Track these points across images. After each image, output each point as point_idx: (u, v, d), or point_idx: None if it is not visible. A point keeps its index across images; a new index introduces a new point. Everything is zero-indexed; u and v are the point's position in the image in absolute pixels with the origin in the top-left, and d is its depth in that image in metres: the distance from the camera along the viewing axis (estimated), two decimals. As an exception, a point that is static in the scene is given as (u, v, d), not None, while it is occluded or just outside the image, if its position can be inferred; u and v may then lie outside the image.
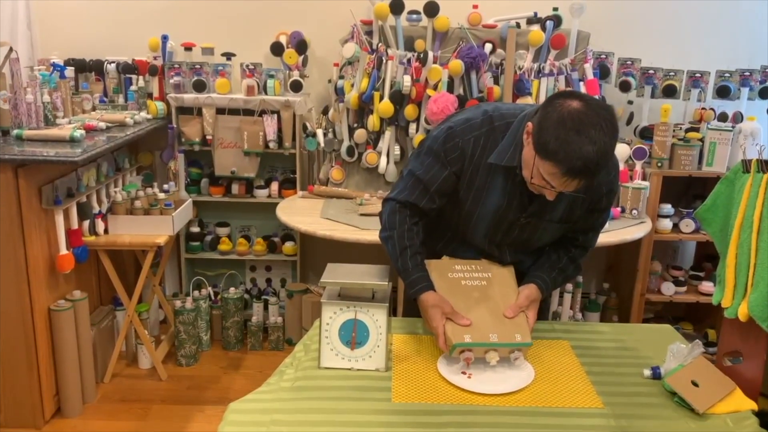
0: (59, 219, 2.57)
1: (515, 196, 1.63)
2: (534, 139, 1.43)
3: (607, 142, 1.38)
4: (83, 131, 2.63)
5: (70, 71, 3.23)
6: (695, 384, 1.43)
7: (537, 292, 1.69)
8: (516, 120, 1.59)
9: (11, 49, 2.59)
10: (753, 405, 1.42)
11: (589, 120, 1.37)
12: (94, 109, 3.21)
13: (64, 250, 2.61)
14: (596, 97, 3.08)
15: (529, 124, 1.47)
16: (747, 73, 3.15)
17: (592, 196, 1.63)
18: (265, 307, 3.39)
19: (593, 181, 1.46)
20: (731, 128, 2.98)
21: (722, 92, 3.16)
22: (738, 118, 3.14)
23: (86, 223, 2.76)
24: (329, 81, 3.33)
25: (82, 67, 3.35)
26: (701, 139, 3.05)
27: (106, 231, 2.85)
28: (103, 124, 2.87)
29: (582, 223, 1.72)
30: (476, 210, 1.68)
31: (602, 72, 3.19)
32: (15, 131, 2.59)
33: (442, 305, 1.60)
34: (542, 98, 3.13)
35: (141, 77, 3.30)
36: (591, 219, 1.72)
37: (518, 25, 3.19)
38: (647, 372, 1.53)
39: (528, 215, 1.66)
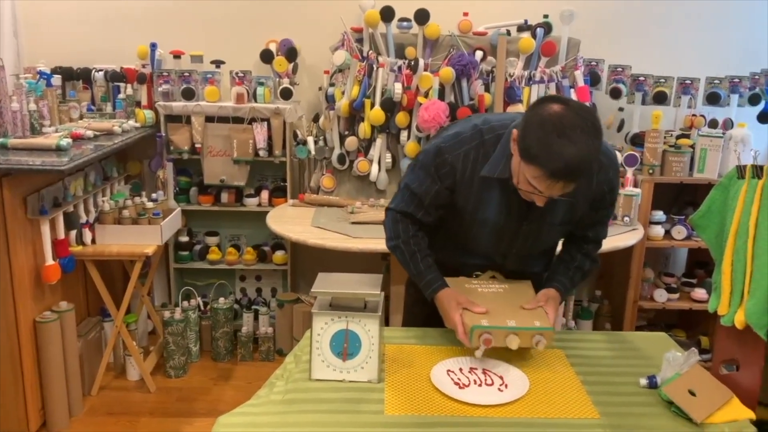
0: (45, 229, 2.53)
1: (513, 206, 1.64)
2: (518, 145, 1.46)
3: (588, 144, 1.39)
4: (70, 140, 2.59)
5: (56, 79, 3.18)
6: (692, 393, 1.41)
7: (555, 292, 1.70)
8: (506, 131, 1.59)
9: (-4, 57, 2.55)
10: (751, 414, 1.40)
11: (569, 122, 1.39)
12: (81, 117, 3.17)
13: (50, 261, 2.57)
14: (587, 103, 3.08)
15: (515, 131, 1.49)
16: (736, 80, 3.16)
17: (594, 196, 1.65)
18: (256, 318, 3.35)
19: (579, 182, 1.46)
20: (722, 135, 2.99)
21: (712, 99, 3.16)
22: (728, 124, 3.15)
23: (73, 233, 2.72)
24: (320, 88, 3.31)
25: (69, 75, 3.31)
26: (692, 146, 3.05)
27: (93, 241, 2.82)
28: (90, 133, 2.83)
29: (588, 220, 1.73)
30: (475, 222, 1.69)
31: (593, 79, 3.19)
32: (0, 140, 2.54)
33: (458, 297, 1.62)
34: (533, 105, 3.13)
35: (129, 85, 3.26)
36: (596, 216, 1.74)
37: (509, 33, 3.18)
38: (643, 381, 1.51)
39: (529, 222, 1.66)
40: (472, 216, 1.68)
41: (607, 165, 1.63)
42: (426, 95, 3.09)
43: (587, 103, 3.05)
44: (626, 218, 2.96)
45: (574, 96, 3.11)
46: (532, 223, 1.67)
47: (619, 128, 3.28)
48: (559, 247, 1.88)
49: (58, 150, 2.51)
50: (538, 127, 1.41)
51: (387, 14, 3.07)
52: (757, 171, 1.45)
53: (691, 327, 3.43)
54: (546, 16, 3.18)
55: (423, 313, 1.81)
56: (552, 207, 1.60)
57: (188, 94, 3.19)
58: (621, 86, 3.18)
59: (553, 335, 1.57)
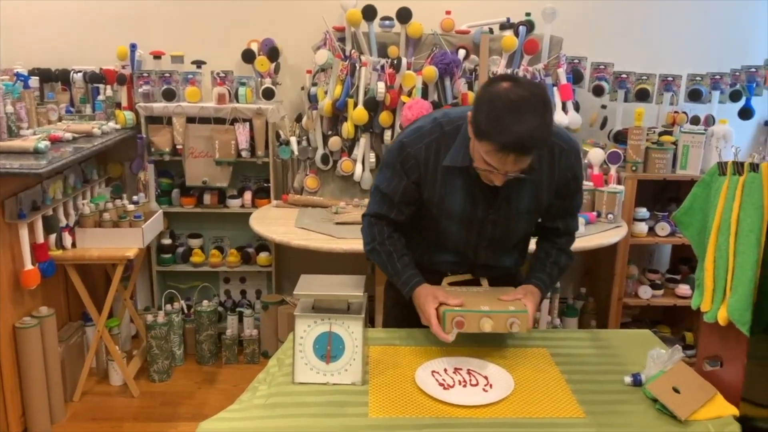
0: (23, 233, 2.49)
1: (477, 193, 1.65)
2: (471, 124, 1.49)
3: (536, 117, 1.41)
4: (48, 142, 2.56)
5: (34, 81, 3.14)
6: (676, 390, 1.41)
7: (534, 288, 1.72)
8: (465, 121, 1.60)
9: (-29, 59, 2.51)
10: (734, 410, 1.40)
11: (518, 97, 1.42)
12: (60, 119, 3.13)
13: (29, 266, 2.53)
14: (571, 99, 3.09)
15: (469, 113, 1.52)
16: (717, 77, 3.18)
17: (558, 183, 1.67)
18: (240, 320, 3.33)
19: (532, 156, 1.47)
20: (704, 131, 3.00)
21: (694, 96, 3.18)
22: (710, 121, 3.16)
23: (53, 237, 2.68)
24: (302, 88, 3.28)
25: (47, 76, 3.27)
26: (674, 143, 3.07)
27: (73, 245, 2.77)
28: (69, 135, 2.79)
29: (556, 210, 1.75)
30: (443, 214, 1.70)
31: (575, 77, 3.19)
32: (-24, 143, 2.50)
33: (434, 292, 1.63)
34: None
35: (109, 86, 3.23)
36: (564, 205, 1.75)
37: (491, 31, 3.18)
38: (628, 379, 1.51)
39: (495, 210, 1.68)
40: (439, 208, 1.69)
41: (568, 150, 1.65)
42: (409, 94, 3.08)
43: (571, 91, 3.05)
44: (610, 215, 2.97)
45: (557, 94, 3.11)
46: (498, 211, 1.68)
47: (602, 125, 3.29)
48: (532, 246, 1.89)
49: (36, 153, 2.48)
50: (488, 104, 1.44)
51: (369, 13, 3.06)
52: (738, 167, 1.44)
53: (676, 323, 3.44)
54: (528, 14, 3.18)
55: (402, 315, 1.80)
56: (516, 193, 1.63)
57: (169, 95, 3.15)
58: (603, 84, 3.19)
59: (528, 320, 1.57)
